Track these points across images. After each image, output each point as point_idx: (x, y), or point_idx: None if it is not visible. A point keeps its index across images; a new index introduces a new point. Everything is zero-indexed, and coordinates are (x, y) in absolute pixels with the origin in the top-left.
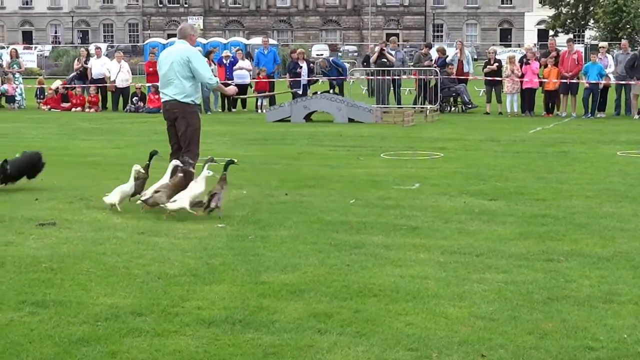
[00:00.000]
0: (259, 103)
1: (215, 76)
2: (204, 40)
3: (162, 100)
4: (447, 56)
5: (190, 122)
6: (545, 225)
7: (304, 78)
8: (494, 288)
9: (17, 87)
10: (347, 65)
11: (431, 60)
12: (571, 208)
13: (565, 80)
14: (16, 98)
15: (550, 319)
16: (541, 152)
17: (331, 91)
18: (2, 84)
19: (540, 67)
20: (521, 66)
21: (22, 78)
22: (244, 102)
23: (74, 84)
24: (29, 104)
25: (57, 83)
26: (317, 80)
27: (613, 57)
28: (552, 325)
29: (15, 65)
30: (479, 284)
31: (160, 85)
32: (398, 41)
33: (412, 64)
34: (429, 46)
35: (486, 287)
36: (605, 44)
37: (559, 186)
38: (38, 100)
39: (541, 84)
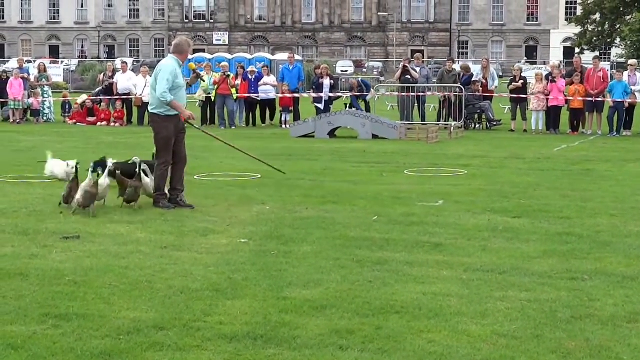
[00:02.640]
0: (282, 118)
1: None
2: (229, 56)
3: None
4: (472, 73)
5: (157, 131)
6: (570, 243)
7: (326, 93)
8: (517, 306)
9: (45, 100)
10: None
11: (455, 78)
12: (596, 226)
13: (590, 98)
14: (45, 112)
15: (573, 338)
16: (566, 170)
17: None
18: (29, 97)
19: (566, 84)
20: (547, 84)
21: (51, 91)
22: (271, 117)
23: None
24: (56, 118)
25: (83, 97)
26: (340, 96)
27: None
28: (575, 344)
29: (43, 79)
30: (502, 302)
31: None
32: (423, 58)
33: (435, 80)
34: (453, 61)
35: (509, 305)
36: (634, 61)
37: (583, 204)
38: (64, 115)
39: (567, 101)
